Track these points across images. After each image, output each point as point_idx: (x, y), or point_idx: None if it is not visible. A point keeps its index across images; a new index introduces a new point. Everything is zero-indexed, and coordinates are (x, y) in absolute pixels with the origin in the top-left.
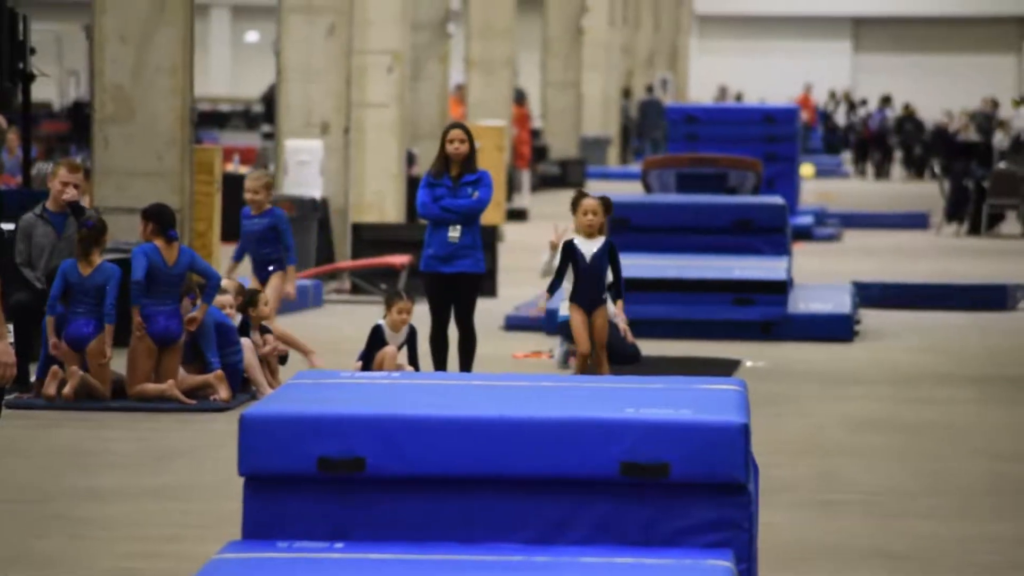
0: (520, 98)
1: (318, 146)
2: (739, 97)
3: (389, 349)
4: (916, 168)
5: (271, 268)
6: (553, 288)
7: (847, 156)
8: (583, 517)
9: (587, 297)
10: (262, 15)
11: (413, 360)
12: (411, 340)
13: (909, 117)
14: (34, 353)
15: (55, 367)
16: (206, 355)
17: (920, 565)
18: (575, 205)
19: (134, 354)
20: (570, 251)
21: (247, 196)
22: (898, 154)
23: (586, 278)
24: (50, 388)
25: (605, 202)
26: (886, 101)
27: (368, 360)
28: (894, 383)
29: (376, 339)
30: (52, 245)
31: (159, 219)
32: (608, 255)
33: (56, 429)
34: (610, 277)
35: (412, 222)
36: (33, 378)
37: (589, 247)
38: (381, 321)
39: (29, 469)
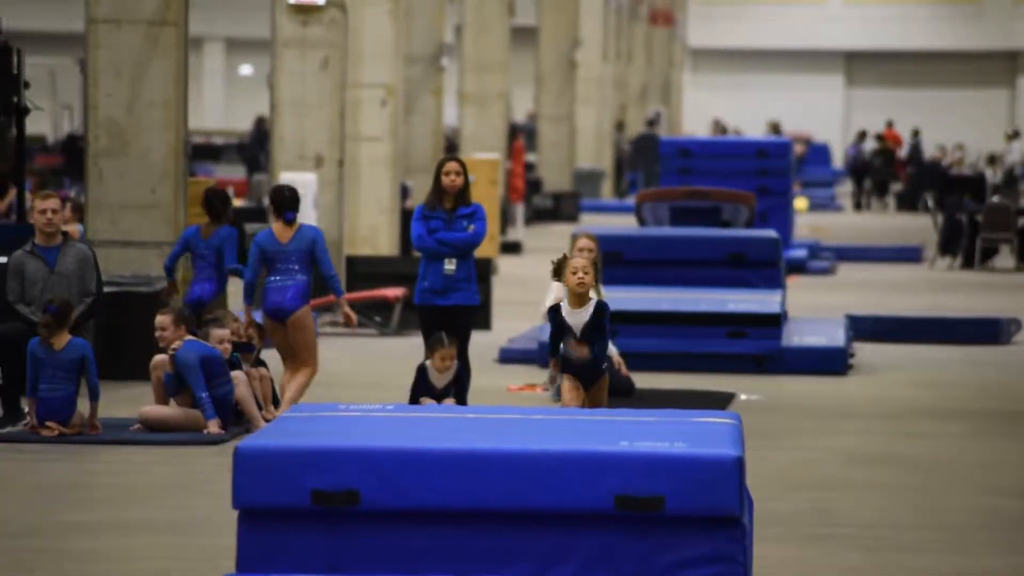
0: (514, 132)
1: (312, 179)
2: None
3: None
4: (897, 200)
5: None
6: (554, 353)
7: (839, 190)
8: (577, 550)
9: (581, 370)
10: (256, 49)
11: (462, 401)
12: (459, 381)
13: (883, 151)
14: (23, 386)
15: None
16: (193, 390)
17: None
18: (559, 271)
19: None
20: (557, 322)
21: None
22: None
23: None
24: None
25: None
26: (862, 136)
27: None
28: (888, 417)
29: (421, 381)
30: (44, 280)
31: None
32: (595, 321)
33: (46, 463)
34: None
35: (406, 255)
36: (26, 409)
37: (579, 317)
38: (427, 362)
39: (18, 503)
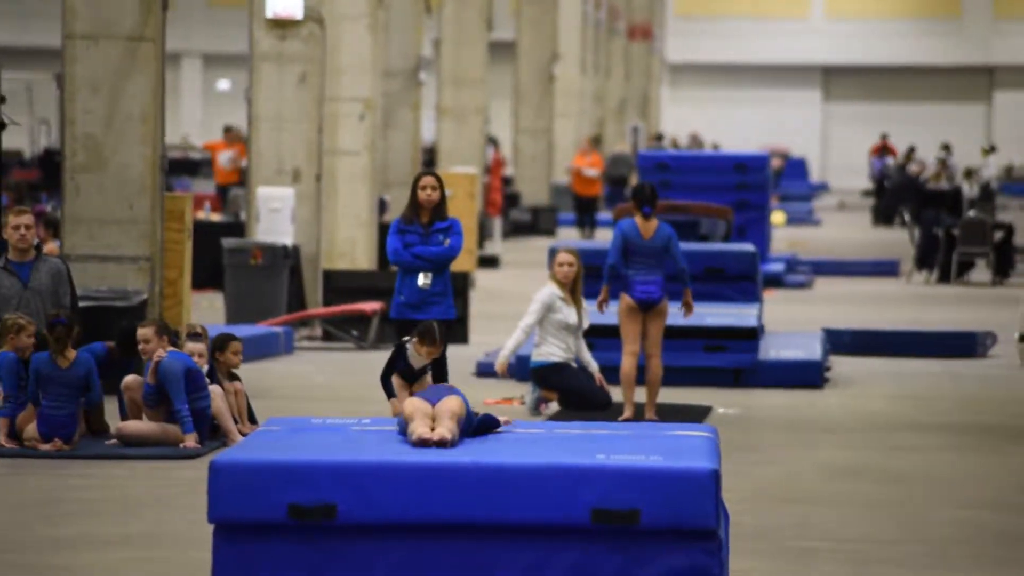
0: (493, 144)
1: (290, 193)
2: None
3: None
4: (873, 214)
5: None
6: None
7: (816, 204)
8: (554, 564)
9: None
10: (233, 64)
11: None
12: (435, 363)
13: (903, 166)
14: None
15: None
16: (173, 402)
17: None
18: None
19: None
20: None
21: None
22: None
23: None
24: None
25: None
26: (885, 149)
27: (387, 379)
28: (865, 430)
29: (399, 357)
30: (19, 295)
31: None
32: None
33: (22, 477)
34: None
35: (383, 269)
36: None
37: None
38: (408, 344)
39: None
